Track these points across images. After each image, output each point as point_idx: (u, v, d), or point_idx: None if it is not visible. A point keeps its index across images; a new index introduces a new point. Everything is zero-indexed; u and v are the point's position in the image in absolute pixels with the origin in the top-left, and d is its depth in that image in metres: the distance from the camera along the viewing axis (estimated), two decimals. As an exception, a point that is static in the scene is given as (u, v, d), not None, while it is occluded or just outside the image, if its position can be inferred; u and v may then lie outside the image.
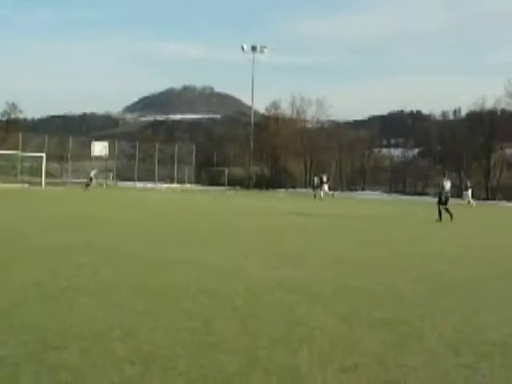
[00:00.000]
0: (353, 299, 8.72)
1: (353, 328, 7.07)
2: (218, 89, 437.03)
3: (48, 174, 67.46)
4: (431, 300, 8.95)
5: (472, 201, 50.78)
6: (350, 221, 27.23)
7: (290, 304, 8.19)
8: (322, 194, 53.28)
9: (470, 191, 52.70)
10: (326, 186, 55.16)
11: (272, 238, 17.41)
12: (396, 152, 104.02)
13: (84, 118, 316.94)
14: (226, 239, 16.62)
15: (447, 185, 28.88)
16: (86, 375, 5.13)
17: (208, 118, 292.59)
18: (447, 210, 27.91)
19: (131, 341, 6.14)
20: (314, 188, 57.58)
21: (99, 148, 70.86)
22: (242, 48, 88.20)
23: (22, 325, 6.55)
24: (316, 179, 58.13)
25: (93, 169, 63.80)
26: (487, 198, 73.03)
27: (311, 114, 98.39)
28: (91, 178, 59.29)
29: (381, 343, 6.49)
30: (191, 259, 11.95)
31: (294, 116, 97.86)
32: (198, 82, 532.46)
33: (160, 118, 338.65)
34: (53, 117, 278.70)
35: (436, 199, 28.86)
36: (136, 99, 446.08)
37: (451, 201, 29.08)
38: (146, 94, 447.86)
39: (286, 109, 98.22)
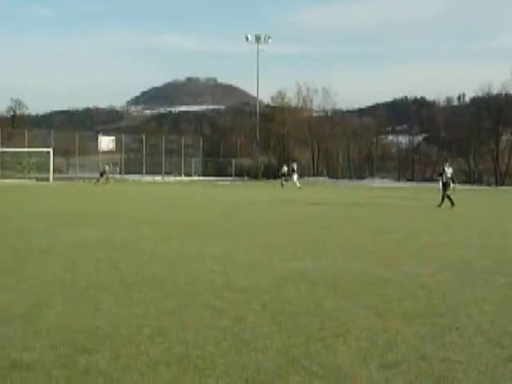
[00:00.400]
0: (381, 291, 8.52)
1: (387, 321, 6.87)
2: (221, 80, 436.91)
3: (55, 169, 67.26)
4: (461, 290, 8.75)
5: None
6: (362, 209, 27.05)
7: (318, 297, 7.99)
8: (298, 183, 52.88)
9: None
10: (295, 176, 55.17)
11: (287, 229, 17.22)
12: (402, 139, 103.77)
13: (88, 112, 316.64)
14: (241, 232, 16.41)
15: (449, 171, 29.20)
16: (120, 380, 4.91)
17: (213, 110, 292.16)
18: (448, 197, 28.20)
19: (162, 341, 5.93)
20: (282, 176, 58.50)
21: (106, 142, 70.80)
22: (247, 38, 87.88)
23: (47, 327, 6.35)
24: (285, 168, 59.22)
25: (107, 163, 63.68)
26: (496, 184, 72.80)
27: (317, 103, 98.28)
28: (103, 172, 59.04)
29: (419, 336, 6.30)
30: (210, 254, 11.75)
31: (300, 105, 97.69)
32: (202, 73, 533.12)
33: (164, 110, 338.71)
34: (56, 112, 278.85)
35: (439, 185, 28.93)
36: (140, 92, 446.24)
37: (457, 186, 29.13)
38: (149, 87, 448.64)
39: (291, 98, 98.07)
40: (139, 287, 8.40)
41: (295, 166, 55.99)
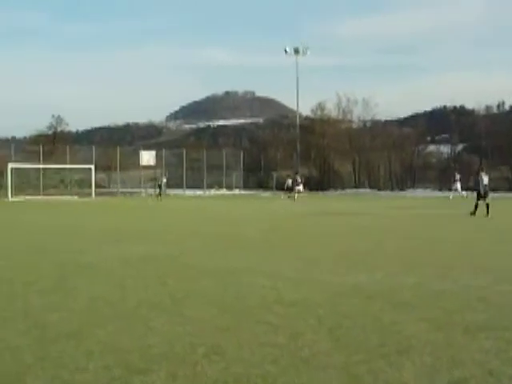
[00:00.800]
0: (439, 303, 8.24)
1: (449, 335, 6.60)
2: (259, 93, 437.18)
3: (96, 185, 67.70)
4: (523, 302, 8.45)
5: (463, 193, 51.26)
6: (408, 219, 26.68)
7: (375, 311, 7.74)
8: (296, 196, 52.97)
9: (458, 184, 53.26)
10: (298, 187, 55.07)
11: (334, 242, 16.97)
12: (442, 148, 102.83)
13: (127, 128, 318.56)
14: (289, 245, 16.15)
15: (485, 179, 28.89)
16: (178, 402, 4.72)
17: (251, 123, 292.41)
18: (486, 205, 27.85)
19: (219, 360, 5.72)
20: (286, 189, 60.23)
21: (147, 157, 70.97)
22: (285, 51, 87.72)
23: (99, 346, 6.18)
24: (289, 181, 60.70)
25: (162, 176, 64.27)
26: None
27: (357, 114, 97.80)
28: (160, 186, 59.56)
29: (483, 351, 6.03)
30: (259, 268, 11.54)
31: (340, 116, 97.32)
32: (240, 87, 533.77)
33: (203, 124, 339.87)
34: (97, 128, 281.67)
35: (474, 194, 28.98)
36: (178, 107, 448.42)
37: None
38: (188, 102, 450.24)
39: (331, 110, 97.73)
40: (190, 303, 8.21)
41: (299, 179, 56.13)
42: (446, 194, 71.29)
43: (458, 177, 54.62)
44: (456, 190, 53.04)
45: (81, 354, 5.91)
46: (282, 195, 58.08)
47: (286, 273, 10.96)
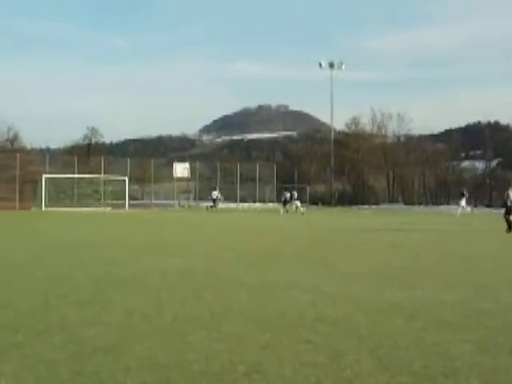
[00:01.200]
0: (482, 323, 8.00)
1: (495, 357, 6.36)
2: (293, 107, 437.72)
3: (129, 197, 68.04)
4: None
5: (468, 209, 51.19)
6: (443, 236, 26.41)
7: (417, 331, 7.53)
8: (302, 210, 57.57)
9: (464, 200, 53.02)
10: (298, 202, 60.43)
11: (371, 257, 16.76)
12: (477, 164, 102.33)
13: (160, 140, 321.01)
14: (325, 260, 15.98)
15: None
16: (220, 423, 4.57)
17: (284, 137, 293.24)
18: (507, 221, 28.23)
19: (259, 379, 5.55)
20: (284, 203, 61.45)
21: (180, 169, 71.25)
22: (320, 65, 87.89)
23: (136, 362, 6.04)
24: (287, 195, 62.08)
25: (215, 189, 65.30)
26: None
27: (391, 129, 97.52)
28: (214, 200, 61.16)
29: (533, 375, 5.82)
30: (297, 283, 11.37)
31: (375, 131, 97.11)
32: (273, 100, 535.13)
33: (236, 137, 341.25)
34: (130, 140, 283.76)
35: (503, 210, 29.24)
36: (212, 120, 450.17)
37: None
38: (221, 115, 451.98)
39: (366, 124, 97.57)
40: (228, 318, 8.06)
41: (295, 194, 60.61)
42: (480, 210, 70.75)
43: (465, 192, 54.61)
44: (462, 206, 52.83)
45: (118, 370, 5.78)
46: (282, 210, 59.52)
47: (323, 288, 10.79)
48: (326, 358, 6.25)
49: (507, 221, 28.11)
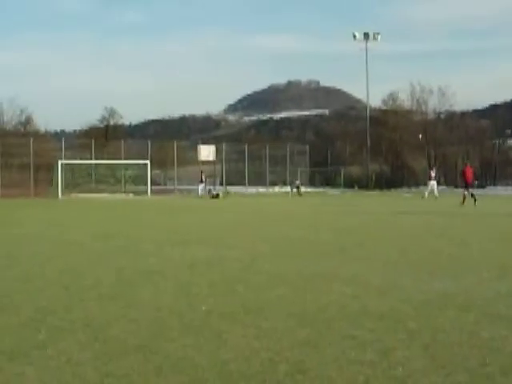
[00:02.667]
0: (542, 317, 7.91)
1: (558, 353, 6.28)
2: (324, 83, 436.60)
3: (151, 182, 68.15)
4: None
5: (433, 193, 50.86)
6: (492, 220, 26.19)
7: (470, 324, 7.42)
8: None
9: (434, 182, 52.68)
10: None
11: (416, 244, 16.66)
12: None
13: (183, 120, 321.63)
14: (366, 248, 15.83)
15: None
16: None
17: (316, 115, 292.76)
18: None
19: (303, 379, 5.48)
20: (291, 187, 69.14)
21: (206, 152, 70.91)
22: (354, 36, 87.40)
23: (169, 362, 5.98)
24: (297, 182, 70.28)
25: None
26: None
27: (432, 105, 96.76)
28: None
29: None
30: (337, 274, 11.29)
31: (414, 107, 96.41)
32: (303, 76, 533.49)
33: (264, 117, 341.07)
34: (150, 121, 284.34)
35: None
36: (238, 98, 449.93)
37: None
38: (248, 92, 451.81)
39: (404, 100, 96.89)
40: (265, 314, 7.99)
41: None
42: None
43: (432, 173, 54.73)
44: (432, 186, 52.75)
45: (150, 371, 5.74)
46: (290, 194, 65.45)
47: (365, 279, 10.70)
48: (374, 355, 6.17)
49: None
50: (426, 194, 52.16)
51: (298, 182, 70.02)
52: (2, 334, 7.10)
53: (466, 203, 38.19)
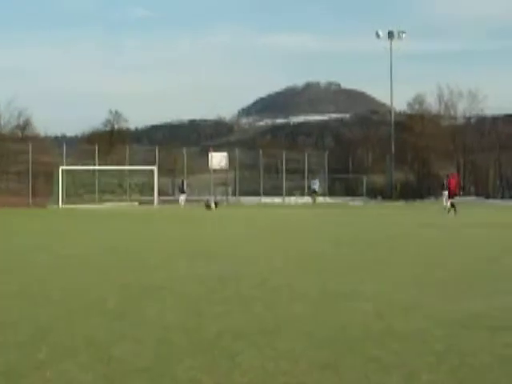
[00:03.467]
0: None
1: None
2: (345, 85, 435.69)
3: (158, 191, 68.17)
4: None
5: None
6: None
7: (502, 347, 7.37)
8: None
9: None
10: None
11: (443, 260, 16.64)
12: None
13: (193, 125, 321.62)
14: (391, 264, 15.84)
15: None
16: None
17: (336, 119, 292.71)
18: None
19: (322, 405, 5.51)
20: (314, 192, 71.17)
21: (217, 159, 70.67)
22: (377, 35, 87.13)
23: (177, 385, 6.03)
24: (317, 184, 72.24)
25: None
26: None
27: (462, 109, 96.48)
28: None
29: None
30: (359, 291, 11.29)
31: (442, 112, 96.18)
32: (322, 77, 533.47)
33: (280, 121, 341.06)
34: (158, 126, 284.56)
35: None
36: (252, 101, 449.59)
37: None
38: (262, 95, 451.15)
39: (431, 104, 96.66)
40: (281, 334, 8.00)
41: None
42: None
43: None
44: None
45: (156, 395, 5.77)
46: (311, 201, 68.37)
47: (389, 296, 10.71)
48: (399, 379, 6.17)
49: None
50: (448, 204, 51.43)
51: (315, 185, 69.99)
52: (-1, 352, 7.13)
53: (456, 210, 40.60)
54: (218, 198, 64.97)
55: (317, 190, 69.20)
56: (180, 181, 66.94)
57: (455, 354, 7.06)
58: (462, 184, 44.79)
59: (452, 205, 41.57)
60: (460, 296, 10.83)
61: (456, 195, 43.17)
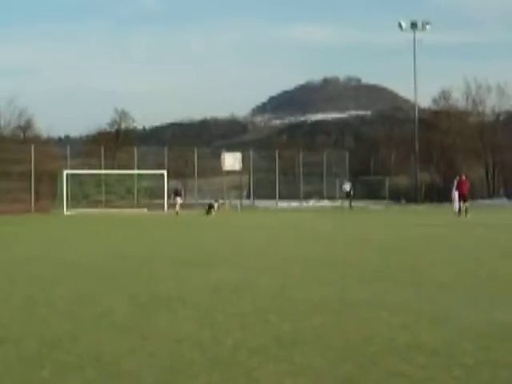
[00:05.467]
0: None
1: None
2: (366, 79, 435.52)
3: (169, 195, 68.14)
4: None
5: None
6: None
7: (538, 360, 7.39)
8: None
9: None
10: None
11: (473, 266, 16.58)
12: None
13: (205, 124, 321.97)
14: (416, 271, 15.77)
15: None
16: None
17: (356, 117, 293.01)
18: None
19: (345, 424, 5.51)
20: (347, 196, 69.57)
21: (230, 160, 70.59)
22: (400, 25, 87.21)
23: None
24: (348, 186, 70.61)
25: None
26: None
27: (490, 105, 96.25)
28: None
29: None
30: (382, 300, 11.27)
31: (470, 108, 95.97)
32: (342, 72, 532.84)
33: (297, 119, 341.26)
34: (167, 125, 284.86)
35: None
36: (266, 98, 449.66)
37: None
38: (278, 91, 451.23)
39: (458, 99, 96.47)
40: (301, 347, 7.98)
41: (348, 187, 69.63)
42: None
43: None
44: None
45: (170, 414, 5.78)
46: (349, 207, 66.63)
47: (415, 306, 10.68)
48: (426, 395, 6.17)
49: None
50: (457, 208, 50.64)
51: (346, 186, 69.84)
52: (1, 369, 7.13)
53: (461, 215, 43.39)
54: (221, 201, 64.52)
55: (351, 192, 68.59)
56: (179, 184, 67.02)
57: (487, 368, 7.03)
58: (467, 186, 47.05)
59: (464, 207, 44.85)
60: (491, 305, 10.79)
61: (466, 198, 45.70)
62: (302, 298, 11.65)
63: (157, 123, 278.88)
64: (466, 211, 43.91)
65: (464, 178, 48.61)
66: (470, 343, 8.15)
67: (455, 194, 50.18)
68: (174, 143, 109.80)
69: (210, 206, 56.17)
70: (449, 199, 72.89)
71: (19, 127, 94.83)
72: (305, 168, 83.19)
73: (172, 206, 59.30)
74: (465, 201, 45.32)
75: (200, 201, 74.42)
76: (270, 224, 40.68)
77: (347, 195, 68.85)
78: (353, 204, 68.03)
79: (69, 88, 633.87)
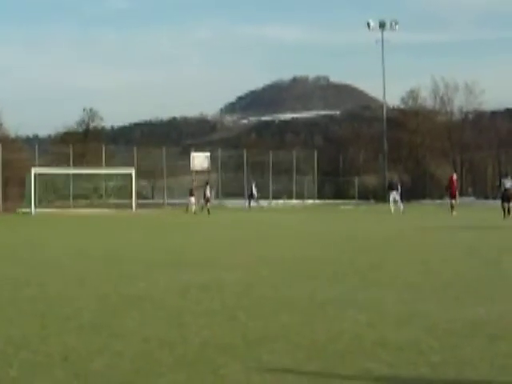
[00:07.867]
0: None
1: None
2: (334, 79, 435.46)
3: (137, 194, 67.83)
4: None
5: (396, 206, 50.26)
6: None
7: (502, 357, 7.43)
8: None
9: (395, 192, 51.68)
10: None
11: (439, 266, 16.71)
12: None
13: (173, 123, 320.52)
14: (384, 270, 15.85)
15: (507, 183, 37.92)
16: None
17: (325, 116, 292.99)
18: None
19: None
20: (249, 198, 68.29)
21: (199, 160, 70.49)
22: (368, 25, 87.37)
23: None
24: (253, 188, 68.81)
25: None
26: None
27: (458, 104, 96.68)
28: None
29: None
30: (350, 299, 11.33)
31: (437, 107, 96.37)
32: (310, 71, 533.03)
33: (266, 118, 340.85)
34: (136, 124, 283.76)
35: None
36: (236, 97, 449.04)
37: None
38: (247, 91, 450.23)
39: (426, 98, 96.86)
40: (268, 346, 8.02)
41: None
42: None
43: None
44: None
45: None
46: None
47: (382, 305, 10.75)
48: (393, 393, 6.23)
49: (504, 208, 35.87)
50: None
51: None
52: (-31, 369, 7.13)
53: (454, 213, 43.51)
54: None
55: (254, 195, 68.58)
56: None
57: (452, 365, 7.12)
58: (455, 184, 47.60)
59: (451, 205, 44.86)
60: (457, 303, 10.89)
61: (455, 196, 46.47)
62: (269, 296, 11.71)
63: (126, 122, 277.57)
64: (452, 208, 44.75)
65: (455, 177, 49.43)
66: (436, 341, 8.23)
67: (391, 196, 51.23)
68: (142, 142, 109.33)
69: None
70: (418, 198, 73.42)
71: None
72: (274, 167, 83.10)
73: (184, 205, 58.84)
74: (453, 198, 46.11)
75: (169, 200, 74.12)
76: (238, 223, 40.62)
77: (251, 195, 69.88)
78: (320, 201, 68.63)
79: (37, 87, 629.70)
